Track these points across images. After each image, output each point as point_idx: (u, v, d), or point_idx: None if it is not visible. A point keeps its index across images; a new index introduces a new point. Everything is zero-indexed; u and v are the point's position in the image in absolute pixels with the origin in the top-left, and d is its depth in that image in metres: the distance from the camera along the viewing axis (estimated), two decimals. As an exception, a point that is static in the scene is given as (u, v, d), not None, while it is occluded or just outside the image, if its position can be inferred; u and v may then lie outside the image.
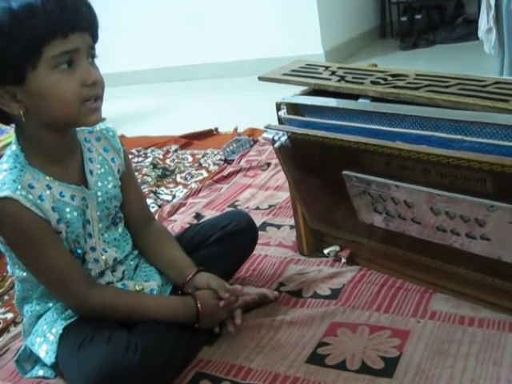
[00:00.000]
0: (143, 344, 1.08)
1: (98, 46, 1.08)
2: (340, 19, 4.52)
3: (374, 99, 1.23)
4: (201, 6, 4.35)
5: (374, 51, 4.70)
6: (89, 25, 1.04)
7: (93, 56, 1.06)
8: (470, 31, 4.29)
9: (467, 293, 1.27)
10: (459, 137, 1.06)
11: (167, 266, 1.28)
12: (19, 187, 1.04)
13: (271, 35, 4.23)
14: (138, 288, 1.22)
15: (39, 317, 1.19)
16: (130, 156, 2.64)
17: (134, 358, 1.05)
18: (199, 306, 1.19)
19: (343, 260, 1.47)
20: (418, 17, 4.90)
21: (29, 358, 1.22)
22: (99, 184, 1.18)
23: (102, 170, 1.19)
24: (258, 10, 4.23)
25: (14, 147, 1.09)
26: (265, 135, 1.34)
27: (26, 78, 1.00)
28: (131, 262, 1.27)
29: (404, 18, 4.97)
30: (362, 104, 1.24)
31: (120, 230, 1.25)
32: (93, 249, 1.18)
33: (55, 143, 1.10)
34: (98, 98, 1.06)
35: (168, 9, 4.44)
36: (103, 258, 1.19)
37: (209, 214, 1.86)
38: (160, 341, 1.12)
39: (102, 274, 1.20)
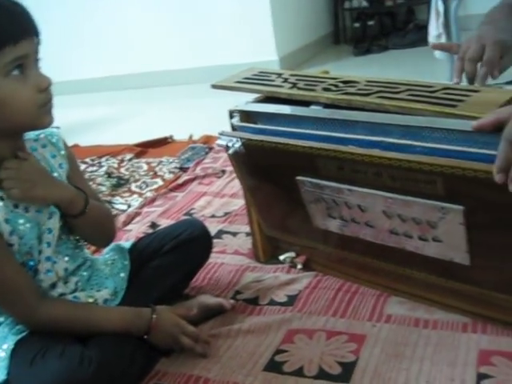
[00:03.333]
0: (98, 357, 1.06)
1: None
2: (294, 26, 4.55)
3: (326, 106, 1.24)
4: (156, 12, 4.32)
5: (328, 57, 4.75)
6: (35, 30, 1.03)
7: (38, 60, 1.05)
8: (420, 37, 4.38)
9: (421, 295, 1.29)
10: (409, 142, 1.07)
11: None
12: None
13: (226, 42, 4.23)
14: (90, 300, 1.20)
15: None
16: (84, 165, 2.62)
17: (88, 371, 1.03)
18: (154, 317, 1.17)
19: (299, 266, 1.48)
20: (370, 23, 4.98)
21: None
22: None
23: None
24: (212, 17, 4.22)
25: None
26: (219, 142, 1.33)
27: None
28: (84, 273, 1.24)
29: (357, 25, 5.04)
30: (314, 111, 1.24)
31: (72, 239, 1.23)
32: (48, 258, 1.15)
33: (7, 153, 1.08)
34: (50, 101, 1.06)
35: (122, 16, 4.40)
36: (55, 268, 1.16)
37: (164, 223, 1.84)
38: (115, 353, 1.11)
39: (53, 285, 1.17)
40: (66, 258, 1.20)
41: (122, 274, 1.29)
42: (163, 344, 1.20)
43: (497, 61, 1.22)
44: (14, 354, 1.08)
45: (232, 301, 1.38)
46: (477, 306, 1.20)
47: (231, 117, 1.35)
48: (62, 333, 1.11)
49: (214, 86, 1.45)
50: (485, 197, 0.96)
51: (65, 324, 1.13)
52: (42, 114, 1.05)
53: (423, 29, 4.16)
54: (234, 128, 1.36)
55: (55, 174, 1.17)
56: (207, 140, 2.71)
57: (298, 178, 1.24)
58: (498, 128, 0.90)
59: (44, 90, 1.03)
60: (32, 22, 1.03)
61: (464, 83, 1.26)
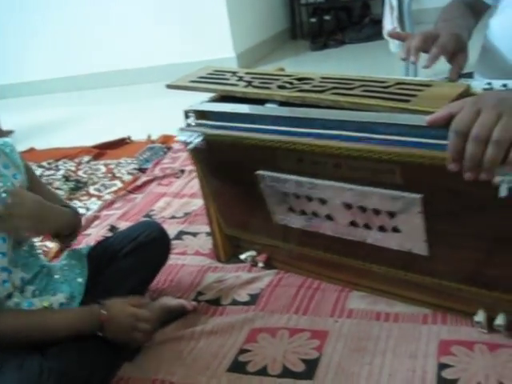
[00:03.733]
0: (57, 368, 1.04)
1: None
2: (251, 22, 4.54)
3: (281, 103, 1.24)
4: (109, 12, 4.27)
5: (286, 52, 4.76)
6: None
7: None
8: (376, 31, 4.42)
9: (382, 288, 1.30)
10: (365, 135, 1.07)
11: None
12: None
13: (183, 40, 4.20)
14: (45, 304, 1.17)
15: None
16: (41, 169, 2.57)
17: (49, 383, 1.01)
18: (103, 312, 1.15)
19: (260, 264, 1.48)
20: (326, 18, 5.00)
21: None
22: None
23: (4, 188, 1.14)
24: (168, 14, 4.19)
25: None
26: (179, 137, 1.32)
27: None
28: (41, 281, 1.22)
29: (313, 20, 5.06)
30: (269, 109, 1.24)
31: (26, 248, 1.21)
32: (3, 269, 1.12)
33: None
34: None
35: (74, 15, 4.33)
36: (10, 278, 1.14)
37: (123, 226, 1.81)
38: (75, 363, 1.08)
39: (9, 295, 1.14)
40: (22, 268, 1.17)
41: (80, 280, 1.27)
42: (120, 337, 1.18)
43: (450, 48, 1.22)
44: None
45: (194, 302, 1.37)
46: (436, 297, 1.21)
47: (187, 117, 1.34)
48: (18, 344, 1.08)
49: (169, 86, 1.43)
50: (442, 184, 0.98)
51: (17, 333, 1.10)
52: None
53: (379, 23, 4.20)
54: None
55: (8, 184, 1.15)
56: (165, 140, 2.69)
57: (258, 172, 1.24)
58: (450, 122, 0.91)
59: None
60: None
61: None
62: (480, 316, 1.14)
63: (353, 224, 1.20)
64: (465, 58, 1.25)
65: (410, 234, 1.12)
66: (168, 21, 4.20)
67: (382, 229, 1.16)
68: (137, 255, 1.32)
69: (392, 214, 1.11)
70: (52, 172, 2.58)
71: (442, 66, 1.23)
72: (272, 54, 4.66)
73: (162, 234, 1.41)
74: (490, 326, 1.13)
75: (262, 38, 4.69)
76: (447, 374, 1.06)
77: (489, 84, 1.15)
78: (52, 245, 1.80)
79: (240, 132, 1.22)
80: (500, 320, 1.11)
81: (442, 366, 1.08)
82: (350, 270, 1.32)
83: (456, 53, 1.22)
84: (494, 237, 1.00)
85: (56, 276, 1.25)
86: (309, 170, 1.16)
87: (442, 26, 1.31)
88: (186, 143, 1.29)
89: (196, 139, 1.28)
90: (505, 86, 1.13)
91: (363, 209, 1.15)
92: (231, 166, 1.32)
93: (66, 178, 2.47)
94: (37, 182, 1.26)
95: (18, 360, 1.03)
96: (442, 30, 1.27)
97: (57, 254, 1.71)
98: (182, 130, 1.32)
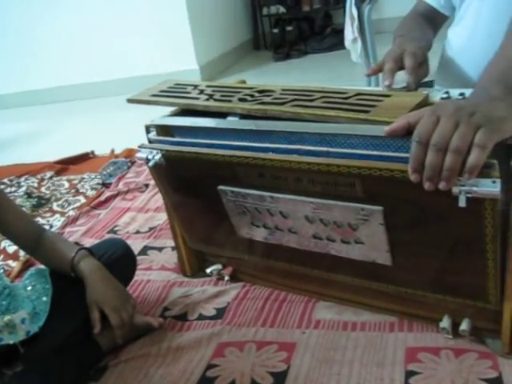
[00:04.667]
0: None
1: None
2: (213, 34, 4.56)
3: (243, 116, 1.24)
4: (68, 26, 4.23)
5: (249, 63, 4.78)
6: None
7: None
8: (338, 41, 4.47)
9: (348, 298, 1.30)
10: (325, 149, 1.08)
11: (53, 259, 1.27)
12: None
13: (145, 53, 4.19)
14: (5, 320, 1.15)
15: None
16: (3, 186, 2.52)
17: None
18: None
19: (226, 278, 1.47)
20: (289, 28, 5.05)
21: None
22: None
23: None
24: (131, 27, 4.17)
25: None
26: (139, 154, 1.31)
27: None
28: (3, 302, 1.20)
29: (276, 30, 5.10)
30: (231, 122, 1.24)
31: None
32: None
33: None
34: None
35: (36, 28, 4.28)
36: None
37: (87, 243, 1.79)
38: None
39: None
40: None
41: (45, 298, 1.25)
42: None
43: (412, 65, 1.25)
44: None
45: (160, 319, 1.36)
46: (402, 305, 1.22)
47: (148, 132, 1.33)
48: None
49: (130, 101, 1.42)
50: (402, 196, 0.99)
51: None
52: None
53: (340, 33, 4.25)
54: (150, 143, 1.34)
55: None
56: (129, 154, 2.67)
57: (220, 187, 1.23)
58: (409, 132, 0.92)
59: None
60: None
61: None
62: (445, 322, 1.15)
63: (316, 237, 1.20)
64: (424, 71, 1.27)
65: (372, 246, 1.13)
66: (130, 33, 4.18)
67: (344, 241, 1.16)
68: None
69: (354, 227, 1.12)
70: (14, 189, 2.54)
71: (402, 75, 1.25)
72: (235, 65, 4.68)
73: (128, 251, 1.40)
74: (456, 332, 1.14)
75: (225, 50, 4.71)
76: (415, 381, 1.07)
77: (446, 93, 1.17)
78: (14, 264, 1.77)
79: (200, 148, 1.21)
80: (464, 325, 1.12)
81: (410, 374, 1.08)
82: (315, 280, 1.32)
83: (420, 63, 1.25)
84: (454, 245, 1.01)
85: (18, 295, 1.23)
86: (270, 184, 1.16)
87: (402, 42, 1.33)
88: (146, 160, 1.28)
89: (156, 156, 1.27)
90: (462, 94, 1.15)
91: (325, 222, 1.15)
92: (193, 182, 1.32)
93: (29, 195, 2.43)
94: (4, 201, 1.24)
95: None
96: (404, 46, 1.29)
97: (19, 274, 1.68)
98: (141, 147, 1.31)
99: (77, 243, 1.80)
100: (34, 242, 1.27)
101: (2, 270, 1.24)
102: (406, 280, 1.16)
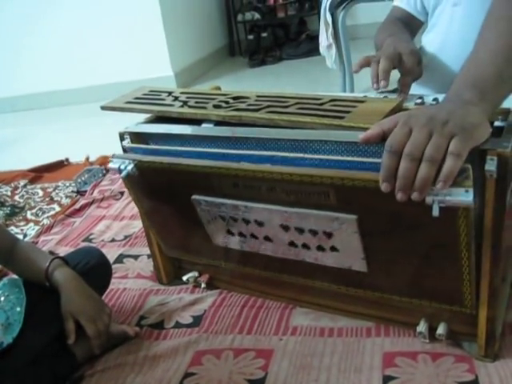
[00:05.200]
0: None
1: None
2: (188, 40, 4.55)
3: (218, 123, 1.24)
4: (43, 31, 4.19)
5: (224, 70, 4.78)
6: None
7: None
8: (313, 47, 4.50)
9: (325, 304, 1.31)
10: (299, 155, 1.08)
11: (27, 270, 1.25)
12: None
13: (119, 59, 4.17)
14: None
15: None
16: (-26, 195, 2.48)
17: None
18: None
19: (203, 285, 1.46)
20: (264, 35, 5.07)
21: None
22: None
23: None
24: (105, 33, 4.14)
25: None
26: (111, 165, 1.30)
27: None
28: (-24, 313, 1.17)
29: (251, 37, 5.11)
30: (205, 129, 1.23)
31: None
32: None
33: None
34: None
35: (8, 34, 4.23)
36: None
37: (62, 252, 1.77)
38: None
39: None
40: None
41: (18, 308, 1.22)
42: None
43: (412, 66, 1.25)
44: None
45: (136, 328, 1.34)
46: (378, 310, 1.23)
47: (122, 139, 1.32)
48: None
49: (104, 108, 1.41)
50: (375, 205, 0.98)
51: None
52: None
53: (315, 39, 4.27)
54: (125, 150, 1.33)
55: None
56: (104, 161, 2.64)
57: (194, 197, 1.23)
58: (383, 139, 0.92)
59: None
60: None
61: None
62: (422, 326, 1.16)
63: (291, 244, 1.20)
64: (420, 71, 1.29)
65: (348, 253, 1.13)
66: (104, 40, 4.16)
67: (320, 248, 1.16)
68: None
69: (329, 235, 1.12)
70: (-14, 198, 2.50)
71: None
72: (210, 72, 4.68)
73: (103, 260, 1.38)
74: (432, 336, 1.14)
75: (200, 56, 4.70)
76: (392, 386, 1.07)
77: (420, 98, 1.18)
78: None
79: (173, 158, 1.21)
80: (441, 329, 1.13)
81: (387, 379, 1.09)
82: (292, 286, 1.32)
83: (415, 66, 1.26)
84: (429, 251, 1.02)
85: (-8, 307, 1.20)
86: (244, 193, 1.16)
87: (395, 42, 1.33)
88: (119, 170, 1.27)
89: (128, 166, 1.26)
90: (435, 100, 1.16)
91: (300, 230, 1.15)
92: (166, 191, 1.31)
93: (2, 204, 2.39)
94: None
95: None
96: (399, 46, 1.29)
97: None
98: (113, 157, 1.29)
99: (51, 252, 1.79)
100: (7, 253, 1.26)
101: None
102: (382, 285, 1.16)
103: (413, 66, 1.26)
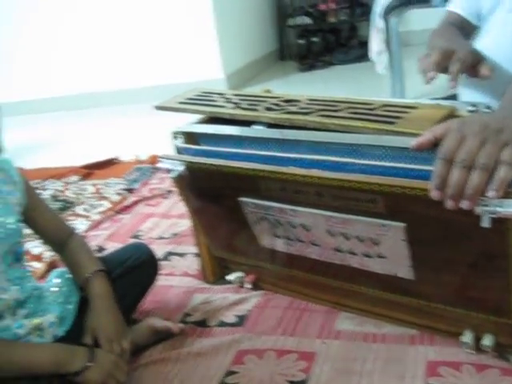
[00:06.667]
0: None
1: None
2: (239, 43, 4.58)
3: (269, 125, 1.25)
4: (98, 32, 4.29)
5: (274, 73, 4.80)
6: None
7: None
8: (363, 53, 4.46)
9: (370, 310, 1.30)
10: (350, 160, 1.08)
11: (72, 269, 1.27)
12: None
13: (172, 61, 4.23)
14: (34, 322, 1.15)
15: None
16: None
17: None
18: (89, 364, 1.10)
19: (248, 286, 1.47)
20: (314, 39, 5.06)
21: None
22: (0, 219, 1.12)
23: (1, 205, 1.13)
24: (158, 35, 4.21)
25: None
26: (161, 165, 1.32)
27: None
28: (31, 305, 1.20)
29: (301, 41, 5.11)
30: (256, 131, 1.25)
31: (24, 267, 1.20)
32: None
33: None
34: None
35: (63, 35, 4.35)
36: (4, 297, 1.12)
37: (111, 247, 1.81)
38: None
39: (1, 316, 1.13)
40: (17, 287, 1.16)
41: (70, 302, 1.26)
42: (93, 381, 1.11)
43: (469, 62, 1.21)
44: None
45: (181, 324, 1.36)
46: (423, 318, 1.22)
47: (175, 138, 1.34)
48: None
49: (158, 108, 1.44)
50: (424, 213, 0.98)
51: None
52: None
53: (366, 45, 4.24)
54: (177, 149, 1.35)
55: (5, 201, 1.14)
56: (154, 160, 2.68)
57: (241, 199, 1.24)
58: (435, 145, 0.92)
59: None
60: None
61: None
62: (467, 337, 1.14)
63: (337, 250, 1.20)
64: (489, 66, 1.22)
65: (394, 260, 1.12)
66: (158, 41, 4.22)
67: (366, 255, 1.16)
68: (126, 279, 1.31)
69: (376, 241, 1.11)
70: (39, 192, 2.57)
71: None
72: (260, 75, 4.70)
73: (151, 257, 1.40)
74: (477, 347, 1.13)
75: (251, 59, 4.73)
76: (435, 395, 1.06)
77: (473, 106, 1.17)
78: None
79: (223, 160, 1.22)
80: (487, 341, 1.11)
81: (430, 388, 1.08)
82: (337, 291, 1.32)
83: (475, 65, 1.21)
84: (476, 261, 1.01)
85: (45, 298, 1.24)
86: (291, 197, 1.16)
87: (450, 42, 1.29)
88: (169, 170, 1.29)
89: (178, 167, 1.28)
90: (489, 107, 1.14)
91: (347, 236, 1.15)
92: (215, 192, 1.33)
93: (55, 198, 2.46)
94: (36, 201, 1.26)
95: None
96: (454, 45, 1.26)
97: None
98: (163, 157, 1.32)
99: (100, 247, 1.83)
100: (62, 243, 1.29)
101: (30, 272, 1.25)
102: (428, 294, 1.15)
103: (465, 56, 1.21)
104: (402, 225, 1.04)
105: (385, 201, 1.02)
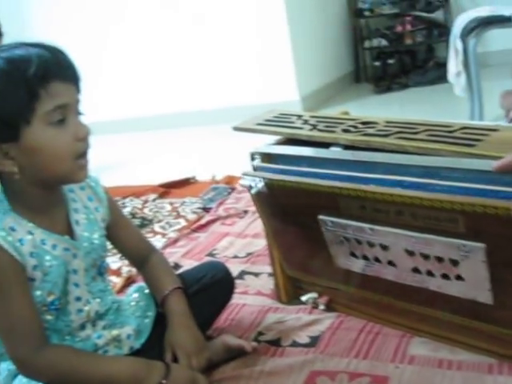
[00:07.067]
0: None
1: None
2: (315, 65, 4.61)
3: (346, 147, 1.26)
4: (176, 55, 4.41)
5: (350, 96, 4.79)
6: (77, 78, 1.06)
7: (79, 113, 1.07)
8: (441, 74, 4.40)
9: (445, 335, 1.27)
10: (429, 181, 1.08)
11: (151, 285, 1.30)
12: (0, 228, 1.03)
13: (248, 83, 4.29)
14: (113, 334, 1.20)
15: (16, 375, 1.14)
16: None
17: None
18: (164, 381, 1.11)
19: (321, 307, 1.47)
20: (390, 61, 5.04)
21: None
22: (85, 234, 1.17)
23: (88, 221, 1.19)
24: (234, 58, 4.30)
25: None
26: (242, 182, 1.35)
27: (20, 135, 1.00)
28: (111, 317, 1.25)
29: (377, 63, 5.10)
30: (334, 152, 1.26)
31: (105, 280, 1.25)
32: (78, 299, 1.15)
33: (42, 196, 1.10)
34: (86, 153, 1.07)
35: (143, 57, 4.50)
36: (86, 308, 1.17)
37: (187, 264, 1.85)
38: None
39: (83, 326, 1.18)
40: (98, 300, 1.20)
41: (148, 316, 1.29)
42: None
43: None
44: None
45: (254, 343, 1.37)
46: (502, 347, 1.18)
47: (252, 159, 1.37)
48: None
49: (236, 129, 1.47)
50: (506, 234, 0.96)
51: (64, 373, 1.09)
52: (76, 168, 1.06)
53: (443, 66, 4.18)
54: (255, 169, 1.38)
55: (91, 217, 1.19)
56: (230, 180, 2.74)
57: (320, 217, 1.25)
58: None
59: (82, 139, 1.05)
60: (75, 70, 1.05)
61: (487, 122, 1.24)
62: (549, 368, 1.10)
63: (415, 271, 1.19)
64: None
65: (473, 283, 1.10)
66: (233, 63, 4.31)
67: (445, 276, 1.14)
68: (202, 296, 1.33)
69: (455, 262, 1.10)
70: (120, 209, 2.66)
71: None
72: (336, 97, 4.70)
73: (227, 275, 1.42)
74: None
75: (326, 81, 4.74)
76: (512, 428, 1.03)
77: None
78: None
79: (303, 178, 1.24)
80: None
81: (507, 420, 1.05)
82: (411, 315, 1.30)
83: None
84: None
85: (124, 311, 1.28)
86: (370, 216, 1.17)
87: None
88: (249, 187, 1.32)
89: (258, 184, 1.30)
90: None
91: (426, 256, 1.14)
92: (293, 210, 1.34)
93: (133, 216, 2.53)
94: (119, 217, 1.30)
95: None
96: None
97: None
98: (244, 174, 1.35)
99: (176, 264, 1.87)
100: (143, 260, 1.33)
101: (111, 286, 1.30)
102: (508, 321, 1.12)
103: None
104: (482, 245, 1.02)
105: (465, 220, 1.01)
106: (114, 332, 1.20)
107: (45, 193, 1.10)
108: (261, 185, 1.29)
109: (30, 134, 1.00)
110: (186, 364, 1.18)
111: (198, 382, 1.16)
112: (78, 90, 1.06)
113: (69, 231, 1.15)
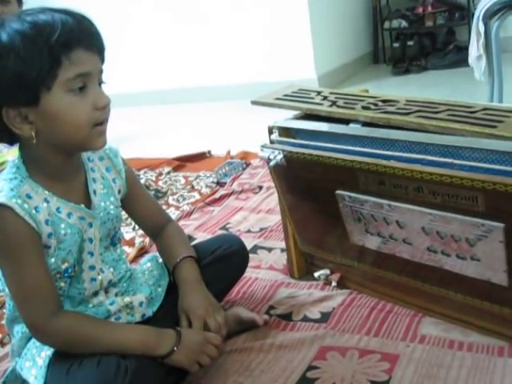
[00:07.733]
0: (134, 367, 1.06)
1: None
2: (333, 45, 4.57)
3: (365, 124, 1.25)
4: (196, 30, 4.40)
5: (367, 76, 4.76)
6: (100, 47, 1.05)
7: (101, 82, 1.07)
8: (460, 58, 4.36)
9: (457, 317, 1.27)
10: (449, 160, 1.07)
11: (164, 254, 1.32)
12: (16, 195, 1.03)
13: (266, 60, 4.28)
14: (126, 301, 1.21)
15: (29, 339, 1.16)
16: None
17: (125, 381, 1.03)
18: (175, 348, 1.12)
19: (334, 283, 1.48)
20: (410, 43, 4.97)
21: (16, 380, 1.20)
22: (102, 204, 1.18)
23: (105, 191, 1.19)
24: (253, 35, 4.28)
25: (16, 161, 1.09)
26: (261, 154, 1.35)
27: (40, 100, 1.00)
28: (124, 284, 1.26)
29: (396, 45, 5.04)
30: (353, 129, 1.25)
31: (118, 250, 1.25)
32: (92, 268, 1.16)
33: (60, 164, 1.10)
34: (105, 121, 1.07)
35: (163, 32, 4.49)
36: (99, 277, 1.18)
37: (200, 237, 1.86)
38: (151, 364, 1.11)
39: (95, 293, 1.19)
40: (111, 269, 1.21)
41: (160, 285, 1.30)
42: (184, 364, 1.14)
43: None
44: (52, 362, 1.09)
45: (266, 316, 1.38)
46: (514, 330, 1.18)
47: (270, 133, 1.37)
48: (83, 350, 1.09)
49: (254, 103, 1.47)
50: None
51: (77, 339, 1.10)
52: (94, 135, 1.06)
53: (463, 50, 4.15)
54: (273, 143, 1.37)
55: (108, 187, 1.20)
56: (245, 156, 2.74)
57: (338, 192, 1.25)
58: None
59: (101, 109, 1.05)
60: (99, 38, 1.05)
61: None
62: (562, 352, 1.10)
63: (430, 250, 1.19)
64: None
65: (489, 263, 1.10)
66: (252, 39, 4.28)
67: (460, 256, 1.14)
68: (216, 268, 1.33)
69: (472, 242, 1.09)
70: (136, 180, 2.67)
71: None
72: (353, 77, 4.67)
73: (242, 248, 1.42)
74: None
75: (344, 61, 4.71)
76: (522, 410, 1.03)
77: None
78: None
79: (322, 151, 1.23)
80: None
81: (517, 402, 1.05)
82: (424, 294, 1.30)
83: None
84: None
85: (137, 279, 1.29)
86: (389, 192, 1.16)
87: None
88: (268, 160, 1.32)
89: (277, 156, 1.30)
90: None
91: (442, 235, 1.13)
92: (311, 184, 1.34)
93: (147, 188, 2.54)
94: (137, 189, 1.30)
95: (97, 356, 1.06)
96: None
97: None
98: (263, 146, 1.34)
99: (190, 236, 1.88)
100: (158, 229, 1.34)
101: (125, 255, 1.31)
102: (522, 304, 1.12)
103: None
104: (501, 225, 1.02)
105: (485, 199, 1.00)
106: (127, 299, 1.21)
107: (63, 161, 1.10)
108: (280, 157, 1.29)
109: (50, 100, 1.00)
110: (199, 327, 1.18)
111: (211, 342, 1.17)
112: (101, 59, 1.06)
113: (85, 200, 1.15)
